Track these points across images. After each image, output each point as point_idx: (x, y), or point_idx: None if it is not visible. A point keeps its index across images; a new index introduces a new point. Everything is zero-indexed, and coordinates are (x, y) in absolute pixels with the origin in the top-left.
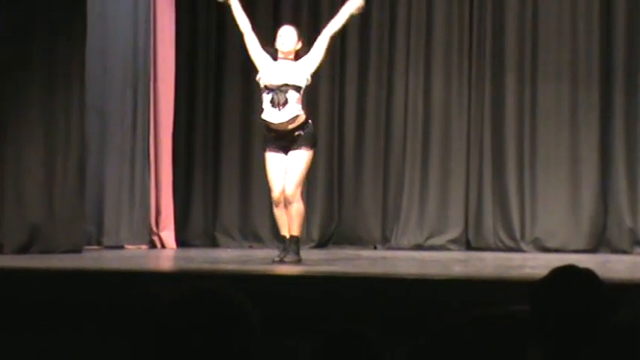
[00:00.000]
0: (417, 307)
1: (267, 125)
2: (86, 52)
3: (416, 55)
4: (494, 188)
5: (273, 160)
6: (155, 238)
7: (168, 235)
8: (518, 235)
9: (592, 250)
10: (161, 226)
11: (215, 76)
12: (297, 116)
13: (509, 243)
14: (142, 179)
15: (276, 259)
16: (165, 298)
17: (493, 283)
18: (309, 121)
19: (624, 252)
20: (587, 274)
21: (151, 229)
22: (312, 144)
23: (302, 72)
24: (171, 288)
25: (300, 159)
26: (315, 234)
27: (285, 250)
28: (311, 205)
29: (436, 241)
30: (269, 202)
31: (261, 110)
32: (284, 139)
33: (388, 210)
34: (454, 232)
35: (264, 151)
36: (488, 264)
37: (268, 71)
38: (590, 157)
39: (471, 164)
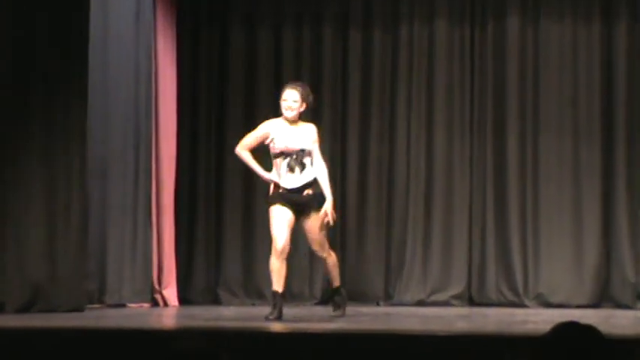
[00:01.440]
0: None
1: (278, 185)
2: (88, 111)
3: (418, 109)
4: (496, 243)
5: (280, 212)
6: (157, 296)
7: (170, 292)
8: (521, 290)
9: (595, 305)
10: (163, 283)
11: (217, 132)
12: (314, 180)
13: (512, 298)
14: (144, 237)
15: (270, 317)
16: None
17: (496, 339)
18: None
19: (627, 307)
20: (590, 330)
21: (153, 286)
22: (321, 201)
23: (309, 136)
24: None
25: (316, 223)
26: (318, 291)
27: (275, 306)
28: (313, 262)
29: (439, 297)
30: None
31: (272, 169)
32: (294, 196)
33: (391, 266)
34: (457, 287)
35: (270, 205)
36: (491, 320)
37: (282, 136)
38: (592, 212)
39: (474, 220)
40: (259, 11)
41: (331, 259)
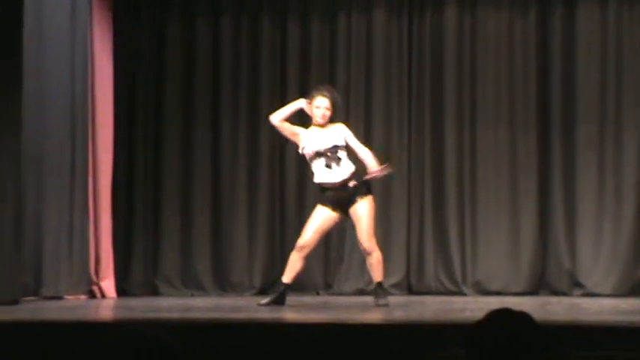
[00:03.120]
0: (359, 352)
1: (322, 186)
2: (22, 99)
3: (356, 100)
4: (435, 233)
5: (321, 213)
6: (95, 288)
7: (108, 284)
8: (459, 278)
9: (532, 292)
10: (101, 275)
11: (154, 124)
12: (354, 171)
13: (451, 287)
14: (81, 228)
15: (263, 302)
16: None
17: (434, 327)
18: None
19: (564, 294)
20: (522, 317)
21: (90, 278)
22: (368, 190)
23: (339, 132)
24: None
25: (365, 210)
26: (257, 281)
27: (278, 294)
28: (253, 252)
29: None
30: (211, 250)
31: (313, 175)
32: (342, 193)
33: (330, 256)
34: (396, 276)
35: (317, 203)
36: (430, 308)
37: (311, 139)
38: (528, 200)
39: (412, 209)
40: (197, 2)
41: (378, 254)
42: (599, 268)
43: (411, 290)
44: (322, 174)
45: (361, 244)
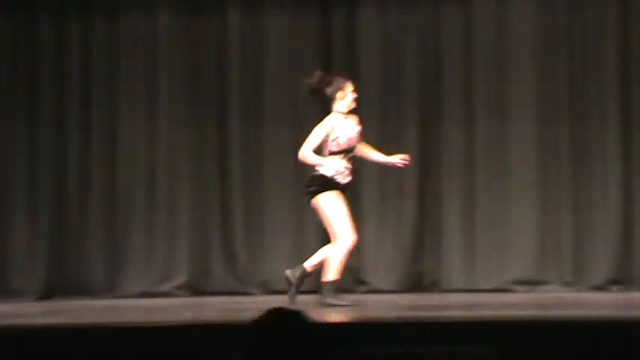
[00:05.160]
0: (145, 356)
1: (331, 180)
2: None
3: (143, 103)
4: (221, 232)
5: (340, 201)
6: None
7: None
8: (246, 278)
9: (317, 290)
10: None
11: None
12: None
13: (238, 287)
14: None
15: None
16: None
17: (221, 327)
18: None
19: (349, 291)
20: (298, 315)
21: None
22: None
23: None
24: None
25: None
26: (40, 286)
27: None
28: (34, 257)
29: (163, 287)
30: None
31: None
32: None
33: (115, 258)
34: (181, 277)
35: (326, 191)
36: (216, 308)
37: (345, 132)
38: None
39: (197, 209)
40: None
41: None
42: (383, 264)
43: (196, 291)
44: (342, 174)
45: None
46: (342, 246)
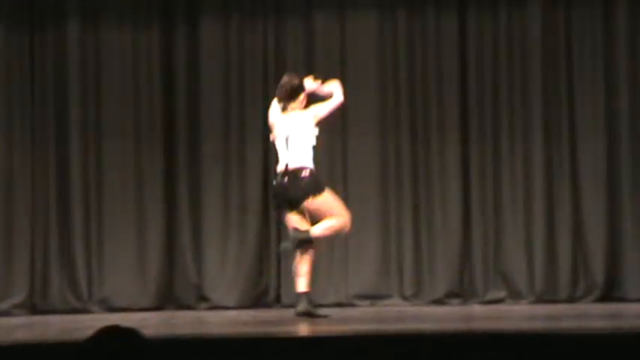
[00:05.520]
0: None
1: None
2: None
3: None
4: (60, 249)
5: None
6: None
7: None
8: (85, 295)
9: (159, 307)
10: None
11: None
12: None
13: (77, 304)
14: None
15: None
16: None
17: (55, 346)
18: None
19: (191, 308)
20: (129, 333)
21: None
22: None
23: None
24: None
25: None
26: None
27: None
28: None
29: (1, 306)
30: None
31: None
32: None
33: None
34: (19, 296)
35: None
36: (54, 327)
37: None
38: (155, 215)
39: (36, 226)
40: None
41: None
42: (225, 281)
43: (35, 310)
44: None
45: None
46: (344, 224)
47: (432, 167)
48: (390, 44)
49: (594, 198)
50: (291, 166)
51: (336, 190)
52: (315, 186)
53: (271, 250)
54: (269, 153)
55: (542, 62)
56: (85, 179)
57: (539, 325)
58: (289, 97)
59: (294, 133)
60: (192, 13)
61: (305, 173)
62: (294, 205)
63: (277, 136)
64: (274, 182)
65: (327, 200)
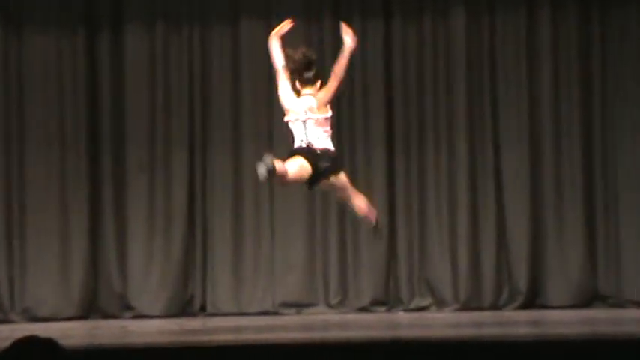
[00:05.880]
0: None
1: None
2: None
3: None
4: None
5: None
6: None
7: None
8: (7, 305)
9: (83, 316)
10: None
11: None
12: None
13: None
14: None
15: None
16: None
17: None
18: None
19: (115, 317)
20: (47, 344)
21: None
22: None
23: None
24: None
25: None
26: None
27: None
28: None
29: None
30: None
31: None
32: None
33: None
34: None
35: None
36: None
37: None
38: (79, 224)
39: None
40: None
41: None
42: (150, 289)
43: None
44: None
45: None
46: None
47: (358, 176)
48: (317, 52)
49: (517, 206)
50: (316, 147)
51: (260, 200)
52: (341, 164)
53: (197, 258)
54: (194, 161)
55: (466, 71)
56: (7, 186)
57: (463, 332)
58: (306, 69)
59: (312, 118)
60: (117, 19)
61: (332, 153)
62: (321, 171)
63: (293, 120)
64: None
65: (346, 179)
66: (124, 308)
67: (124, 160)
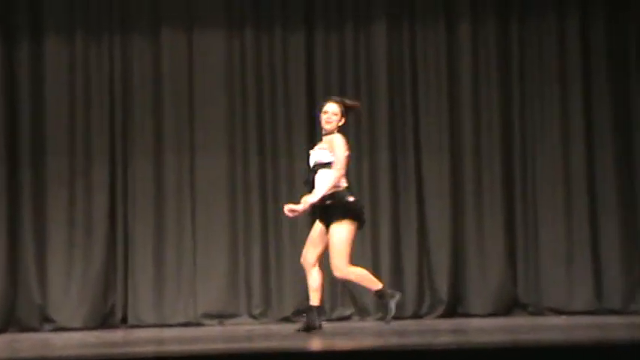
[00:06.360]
0: None
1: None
2: None
3: None
4: None
5: (315, 225)
6: None
7: None
8: None
9: (1, 329)
10: None
11: None
12: (334, 190)
13: None
14: None
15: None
16: None
17: None
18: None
19: (34, 329)
20: None
21: None
22: (344, 214)
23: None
24: None
25: (332, 234)
26: None
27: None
28: None
29: None
30: None
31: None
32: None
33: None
34: None
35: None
36: None
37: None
38: None
39: None
40: None
41: (342, 277)
42: (70, 301)
43: None
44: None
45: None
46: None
47: (280, 186)
48: (238, 60)
49: (439, 215)
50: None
51: (182, 211)
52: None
53: (118, 270)
54: (115, 171)
55: (387, 79)
56: None
57: (386, 342)
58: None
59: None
60: (36, 29)
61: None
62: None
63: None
64: (353, 198)
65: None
66: (44, 321)
67: (44, 170)
